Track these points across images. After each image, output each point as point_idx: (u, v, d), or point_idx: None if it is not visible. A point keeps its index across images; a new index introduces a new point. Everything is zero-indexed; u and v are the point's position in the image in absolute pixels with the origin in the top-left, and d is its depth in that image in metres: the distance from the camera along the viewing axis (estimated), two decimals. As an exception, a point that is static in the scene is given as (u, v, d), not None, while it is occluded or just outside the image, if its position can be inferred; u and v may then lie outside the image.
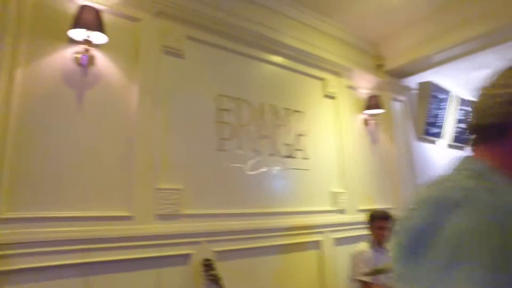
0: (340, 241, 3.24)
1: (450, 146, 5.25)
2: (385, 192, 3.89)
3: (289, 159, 3.14)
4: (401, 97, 4.51)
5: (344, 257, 3.17)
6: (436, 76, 4.82)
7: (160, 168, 2.37)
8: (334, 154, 3.54)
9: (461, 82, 5.28)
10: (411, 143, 4.50)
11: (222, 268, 2.40)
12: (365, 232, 3.45)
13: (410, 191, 4.08)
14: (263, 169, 2.93)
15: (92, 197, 2.08)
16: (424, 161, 4.74)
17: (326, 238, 3.14)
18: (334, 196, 3.36)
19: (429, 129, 4.77)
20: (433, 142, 4.94)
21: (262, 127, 3.02)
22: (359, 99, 4.00)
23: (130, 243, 2.11)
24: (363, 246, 2.73)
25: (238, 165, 2.78)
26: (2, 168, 1.83)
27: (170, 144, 2.46)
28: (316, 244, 3.09)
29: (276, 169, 3.02)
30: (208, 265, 2.33)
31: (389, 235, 2.69)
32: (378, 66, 4.35)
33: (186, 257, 2.32)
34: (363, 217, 3.44)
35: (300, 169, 3.19)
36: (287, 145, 3.16)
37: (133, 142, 2.29)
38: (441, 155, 5.09)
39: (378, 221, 2.73)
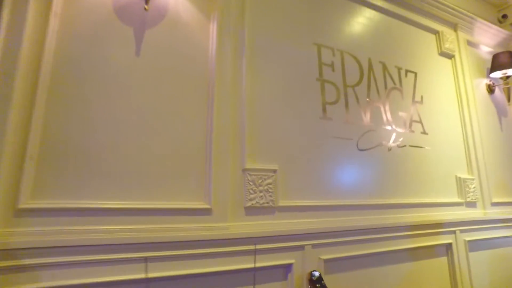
0: (474, 245, 2.29)
1: None
2: (519, 179, 2.83)
3: (406, 133, 2.23)
4: (530, 58, 3.35)
5: (481, 266, 2.25)
6: None
7: (249, 140, 1.60)
8: (457, 129, 2.55)
9: None
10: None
11: (331, 284, 1.61)
12: (509, 233, 2.50)
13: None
14: (377, 145, 2.06)
15: (149, 180, 1.36)
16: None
17: (458, 240, 2.20)
18: (462, 183, 2.39)
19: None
20: None
21: (372, 89, 2.14)
22: (481, 59, 2.94)
23: (205, 250, 1.36)
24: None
25: (346, 138, 1.94)
26: (27, 139, 1.15)
27: (260, 107, 1.68)
28: (445, 248, 2.17)
29: (392, 145, 2.13)
30: (315, 281, 1.53)
31: None
32: (502, 17, 3.23)
33: (285, 268, 1.54)
34: (499, 213, 2.48)
35: (419, 147, 2.27)
36: (402, 114, 2.25)
37: (209, 103, 1.53)
38: None
39: None
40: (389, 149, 2.10)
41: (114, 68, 1.36)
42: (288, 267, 1.54)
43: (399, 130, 2.19)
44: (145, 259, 1.23)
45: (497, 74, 2.85)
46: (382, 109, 2.14)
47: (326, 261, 1.64)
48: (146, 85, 1.42)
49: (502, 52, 2.86)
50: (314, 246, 1.62)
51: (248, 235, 1.45)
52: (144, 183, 1.33)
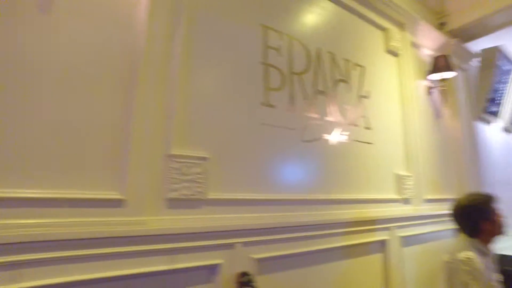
0: (407, 240, 2.28)
1: (506, 129, 4.26)
2: (450, 179, 2.91)
3: (351, 127, 2.14)
4: (465, 65, 3.49)
5: (411, 261, 2.25)
6: (501, 42, 3.79)
7: (177, 122, 1.37)
8: (399, 126, 2.54)
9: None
10: (473, 122, 3.51)
11: (264, 285, 1.45)
12: (437, 228, 2.54)
13: (474, 179, 3.11)
14: (321, 137, 1.94)
15: (52, 164, 1.08)
16: (484, 145, 3.77)
17: (393, 237, 2.17)
18: (400, 180, 2.37)
19: (488, 107, 3.77)
20: (488, 122, 3.94)
21: (319, 79, 2.01)
22: (423, 61, 2.98)
23: (115, 249, 1.12)
24: (468, 251, 1.76)
25: (289, 128, 1.78)
26: None
27: (195, 89, 1.45)
28: (380, 245, 2.12)
29: (336, 138, 2.02)
30: (246, 283, 1.36)
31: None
32: (440, 25, 3.31)
33: (211, 270, 1.35)
34: (430, 209, 2.51)
35: (363, 142, 2.20)
36: (348, 107, 2.15)
37: (134, 76, 1.28)
38: (496, 139, 4.11)
39: (493, 207, 1.79)
40: (333, 142, 1.99)
41: (11, 27, 1.05)
42: (214, 268, 1.34)
43: (344, 123, 2.09)
44: (13, 265, 0.95)
45: (436, 76, 2.89)
46: (328, 100, 2.02)
47: (259, 260, 1.47)
48: (56, 48, 1.12)
49: (441, 56, 2.92)
50: (246, 244, 1.44)
51: (169, 231, 1.23)
52: (44, 164, 1.05)
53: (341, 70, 2.16)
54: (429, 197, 2.57)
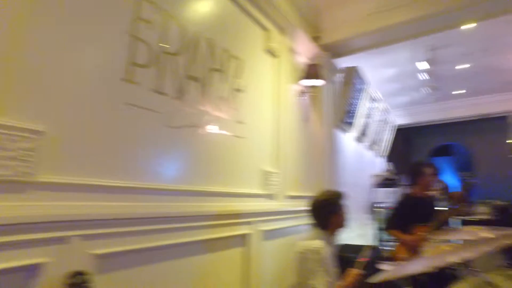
0: (268, 234, 2.37)
1: (357, 139, 4.97)
2: (310, 179, 3.19)
3: (223, 119, 2.09)
4: (332, 78, 3.90)
5: (271, 254, 2.35)
6: (359, 64, 4.41)
7: (4, 84, 1.06)
8: (270, 124, 2.63)
9: (373, 78, 5.05)
10: (334, 130, 3.95)
11: (107, 286, 1.26)
12: (296, 223, 2.71)
13: (331, 180, 3.50)
14: (190, 125, 1.83)
15: None
16: (340, 151, 4.28)
17: (255, 231, 2.22)
18: (266, 176, 2.46)
19: (346, 118, 4.33)
20: (345, 131, 4.53)
21: (193, 64, 1.90)
22: (297, 67, 3.19)
23: None
24: (318, 241, 1.91)
25: (154, 110, 1.61)
26: None
27: (35, 45, 1.16)
28: (242, 239, 2.14)
29: (206, 128, 1.94)
30: (77, 285, 1.14)
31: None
32: (315, 38, 3.63)
33: (30, 271, 1.08)
34: (291, 205, 2.68)
35: (234, 136, 2.18)
36: (221, 98, 2.11)
37: None
38: (350, 147, 4.75)
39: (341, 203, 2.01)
40: (202, 131, 1.91)
41: None
42: (34, 269, 1.08)
43: (216, 114, 2.03)
44: None
45: (307, 82, 3.14)
46: (201, 87, 1.93)
47: (100, 256, 1.27)
48: None
49: (313, 65, 3.19)
50: (85, 237, 1.22)
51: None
52: None
53: (218, 59, 2.10)
54: (291, 193, 2.74)
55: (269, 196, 2.47)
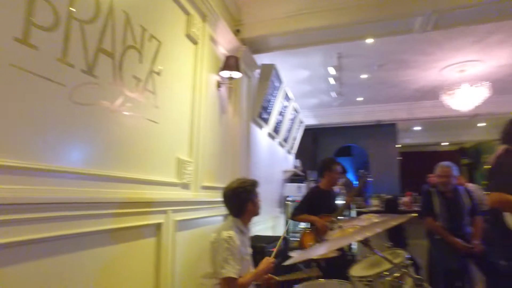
0: (182, 225, 2.29)
1: (271, 135, 5.16)
2: (226, 170, 3.19)
3: (137, 101, 1.95)
4: (250, 73, 3.98)
5: (184, 245, 2.29)
6: (276, 62, 4.60)
7: None
8: (187, 112, 2.55)
9: (288, 78, 5.32)
10: (250, 124, 4.04)
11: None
12: (211, 213, 2.69)
13: (245, 172, 3.56)
14: (99, 103, 1.65)
15: None
16: (255, 145, 4.39)
17: (169, 220, 2.12)
18: (181, 165, 2.37)
19: (262, 113, 4.46)
20: (260, 126, 4.67)
21: (108, 37, 1.72)
22: (217, 57, 3.17)
23: None
24: (229, 230, 1.91)
25: (57, 82, 1.41)
26: None
27: None
28: (155, 229, 2.02)
29: (117, 108, 1.78)
30: None
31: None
32: (236, 31, 3.65)
33: None
34: (206, 195, 2.65)
35: (148, 120, 2.05)
36: (137, 79, 1.96)
37: None
38: (264, 142, 4.91)
39: (255, 190, 2.05)
40: (114, 112, 1.75)
41: None
42: None
43: (131, 95, 1.88)
44: None
45: (226, 73, 3.14)
46: (115, 64, 1.77)
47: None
48: None
49: (232, 56, 3.20)
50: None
51: None
52: None
53: (136, 37, 1.95)
54: (206, 184, 2.71)
55: (184, 186, 2.40)
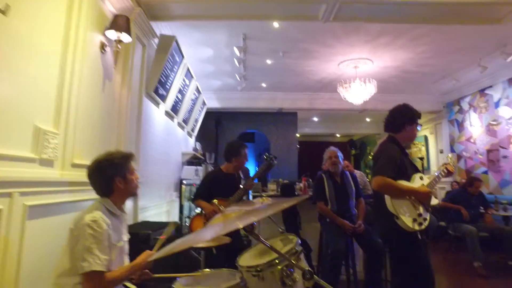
0: (39, 211, 1.82)
1: (168, 113, 4.76)
2: (108, 147, 2.73)
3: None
4: (145, 40, 3.52)
5: (40, 236, 1.84)
6: (178, 34, 4.21)
7: None
8: (53, 73, 2.04)
9: (190, 55, 4.97)
10: (144, 98, 3.59)
11: None
12: (83, 197, 2.23)
13: (135, 152, 3.14)
14: None
15: None
16: (150, 123, 3.96)
17: (14, 206, 1.65)
18: (42, 136, 1.88)
19: (159, 89, 4.04)
20: (157, 103, 4.24)
21: None
22: (103, 14, 2.67)
23: None
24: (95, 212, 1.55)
25: None
26: None
27: None
28: (-8, 217, 1.54)
29: None
30: None
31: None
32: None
33: None
34: (78, 175, 2.20)
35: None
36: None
37: None
38: (160, 121, 4.50)
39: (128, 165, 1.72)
40: None
41: None
42: None
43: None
44: None
45: (112, 34, 2.67)
46: None
47: None
48: None
49: (123, 16, 2.74)
50: None
51: None
52: None
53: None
54: (79, 161, 2.25)
55: (44, 162, 1.92)
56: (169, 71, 4.19)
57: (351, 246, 3.26)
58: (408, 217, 2.06)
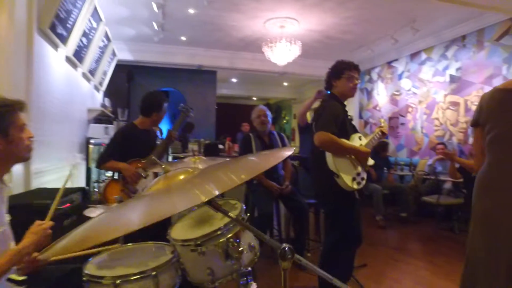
0: None
1: (69, 60, 3.93)
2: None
3: None
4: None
5: None
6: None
7: None
8: None
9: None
10: (36, 38, 2.82)
11: None
12: None
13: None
14: None
15: None
16: (45, 69, 3.18)
17: None
18: None
19: (57, 26, 3.24)
20: (55, 46, 3.43)
21: None
22: None
23: None
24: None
25: None
26: None
27: None
28: None
29: None
30: None
31: None
32: None
33: None
34: None
35: None
36: None
37: None
38: (61, 69, 3.69)
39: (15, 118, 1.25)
40: None
41: None
42: None
43: None
44: None
45: None
46: None
47: None
48: None
49: None
50: None
51: None
52: None
53: None
54: None
55: None
56: (70, 6, 3.38)
57: (277, 208, 3.24)
58: (348, 176, 2.02)
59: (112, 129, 4.65)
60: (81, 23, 3.82)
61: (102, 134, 4.46)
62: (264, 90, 10.93)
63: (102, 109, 5.06)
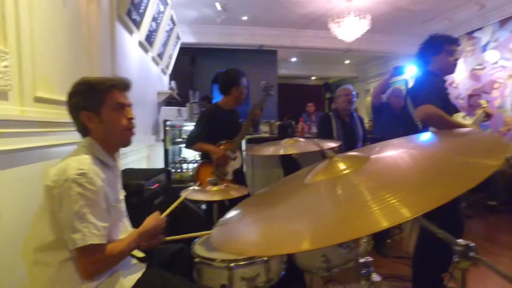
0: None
1: (142, 45, 4.04)
2: (75, 76, 2.15)
3: None
4: None
5: (12, 196, 1.35)
6: None
7: None
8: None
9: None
10: (115, 23, 2.90)
11: None
12: (55, 141, 1.72)
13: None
14: None
15: None
16: (123, 54, 3.29)
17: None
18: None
19: (132, 12, 3.32)
20: (130, 31, 3.53)
21: None
22: None
23: None
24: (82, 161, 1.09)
25: None
26: None
27: None
28: None
29: None
30: None
31: None
32: None
33: None
34: (42, 112, 1.68)
35: None
36: None
37: None
38: (134, 54, 3.81)
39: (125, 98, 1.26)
40: None
41: None
42: None
43: None
44: None
45: None
46: None
47: None
48: None
49: None
50: None
51: None
52: None
53: None
54: (43, 94, 1.69)
55: (-5, 94, 1.37)
56: (143, -9, 3.44)
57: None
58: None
59: (185, 111, 4.75)
60: (151, 7, 3.89)
61: (175, 116, 4.58)
62: (323, 69, 10.50)
63: (170, 92, 5.19)
